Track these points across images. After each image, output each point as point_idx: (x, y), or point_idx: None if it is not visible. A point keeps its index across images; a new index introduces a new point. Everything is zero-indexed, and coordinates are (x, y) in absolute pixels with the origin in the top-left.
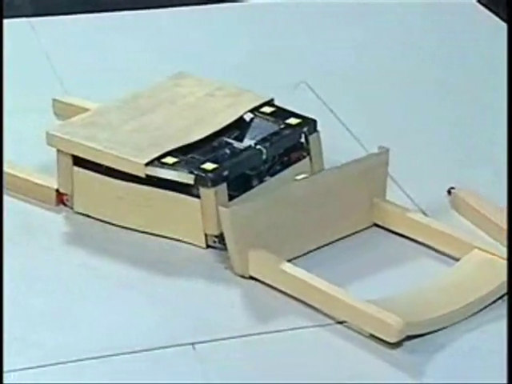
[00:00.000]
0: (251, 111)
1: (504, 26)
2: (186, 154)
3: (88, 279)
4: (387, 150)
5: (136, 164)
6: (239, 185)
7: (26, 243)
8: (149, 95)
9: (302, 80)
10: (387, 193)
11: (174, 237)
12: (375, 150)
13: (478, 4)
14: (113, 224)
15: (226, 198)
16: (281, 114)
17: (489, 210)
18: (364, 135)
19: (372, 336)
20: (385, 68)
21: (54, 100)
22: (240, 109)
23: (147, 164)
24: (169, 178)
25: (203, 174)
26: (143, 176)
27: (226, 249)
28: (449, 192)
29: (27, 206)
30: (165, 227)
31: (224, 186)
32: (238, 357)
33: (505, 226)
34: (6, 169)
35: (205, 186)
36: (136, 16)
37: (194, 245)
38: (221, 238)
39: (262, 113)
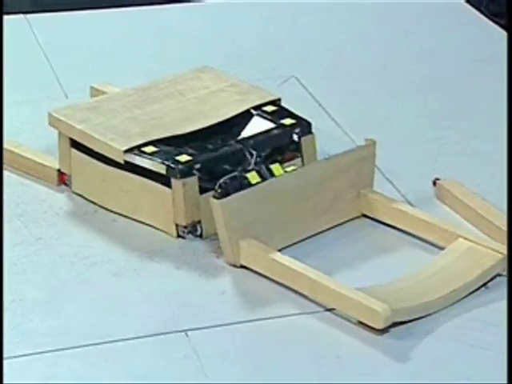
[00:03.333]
0: (254, 109)
1: (490, 24)
2: (169, 144)
3: (81, 268)
4: (374, 142)
5: (116, 150)
6: (219, 178)
7: (24, 231)
8: (164, 86)
9: (292, 74)
10: (374, 184)
11: (149, 223)
12: (362, 142)
13: (465, 4)
14: (101, 206)
15: (196, 190)
16: (280, 113)
17: (472, 200)
18: (351, 127)
19: (360, 323)
20: (372, 64)
21: (92, 88)
22: (243, 106)
23: (126, 151)
24: (143, 165)
25: (174, 166)
26: (121, 162)
27: (200, 237)
28: (434, 183)
29: (33, 184)
30: (140, 213)
31: (194, 178)
32: (230, 343)
33: (487, 215)
34: (13, 149)
35: (174, 176)
36: (128, 13)
37: (168, 233)
38: (192, 228)
39: (264, 111)
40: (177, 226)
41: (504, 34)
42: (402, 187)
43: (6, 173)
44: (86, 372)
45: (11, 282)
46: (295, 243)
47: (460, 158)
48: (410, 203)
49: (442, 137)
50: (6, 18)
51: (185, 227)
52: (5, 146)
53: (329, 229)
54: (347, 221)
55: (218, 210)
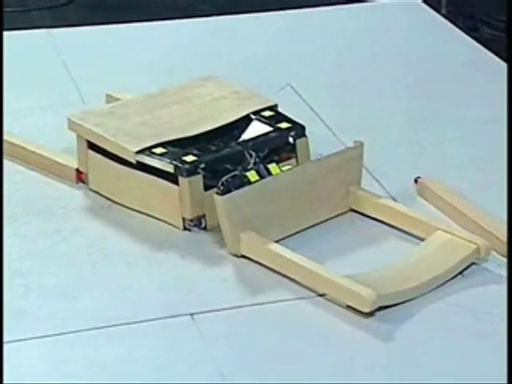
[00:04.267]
0: (253, 113)
1: (446, 23)
2: (177, 146)
3: (96, 258)
4: (362, 144)
5: (128, 151)
6: (222, 177)
7: (44, 224)
8: (172, 93)
9: (288, 83)
10: (362, 182)
11: (158, 217)
12: (351, 144)
13: (419, 1)
14: (115, 201)
15: (201, 187)
16: (276, 118)
17: (450, 196)
18: (341, 130)
19: (348, 307)
20: (360, 71)
21: (107, 95)
22: (243, 111)
23: (138, 152)
24: (153, 165)
25: (180, 165)
26: (134, 162)
27: (205, 229)
28: (415, 181)
29: (52, 182)
30: (150, 208)
31: (199, 176)
32: (232, 325)
33: (463, 209)
34: (35, 149)
35: (181, 175)
36: (139, 28)
37: (175, 226)
38: (197, 221)
39: (262, 116)
40: (183, 219)
41: (470, 40)
42: (387, 185)
43: (28, 171)
44: (100, 352)
45: (33, 270)
46: (290, 235)
47: (438, 159)
48: (394, 199)
49: (422, 139)
50: (29, 31)
51: (190, 220)
52: (27, 146)
53: (321, 222)
54: (337, 215)
55: (221, 205)
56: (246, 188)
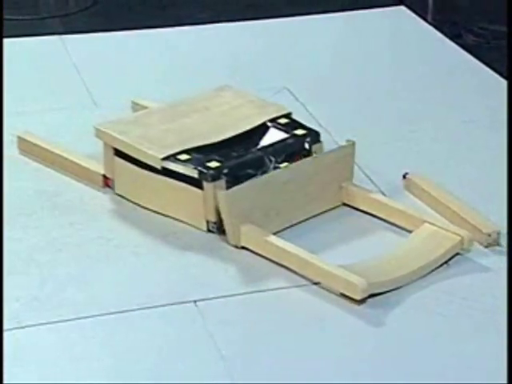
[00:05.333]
0: (270, 121)
1: (432, 30)
2: (200, 152)
3: (106, 249)
4: (353, 143)
5: (154, 158)
6: (243, 181)
7: (59, 218)
8: (191, 102)
9: (284, 85)
10: (354, 177)
11: (183, 220)
12: (344, 143)
13: (406, 9)
14: (139, 205)
15: (224, 191)
16: (292, 125)
17: (436, 191)
18: (335, 130)
19: (342, 295)
20: (352, 74)
21: (132, 102)
22: (261, 118)
23: (164, 158)
24: (178, 171)
25: (205, 171)
26: (159, 168)
27: (224, 233)
28: (403, 176)
29: (66, 179)
30: (174, 211)
31: (222, 181)
32: (232, 311)
33: (448, 203)
34: (65, 155)
35: (206, 180)
36: (144, 35)
37: (197, 227)
38: (219, 223)
39: (278, 123)
40: (207, 222)
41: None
42: (377, 180)
43: (44, 168)
44: (110, 336)
45: (49, 259)
46: (287, 227)
47: (424, 156)
48: (383, 193)
49: (410, 138)
50: (42, 38)
51: (214, 223)
52: (54, 149)
53: (315, 216)
54: (331, 209)
55: (222, 199)
56: (247, 183)
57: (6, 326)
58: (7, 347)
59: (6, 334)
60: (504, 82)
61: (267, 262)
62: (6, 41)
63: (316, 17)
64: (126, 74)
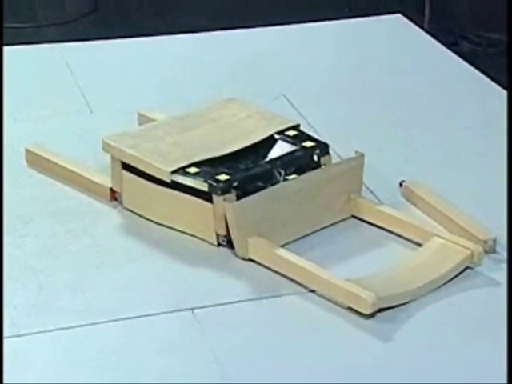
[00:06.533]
0: (278, 133)
1: (429, 38)
2: (209, 165)
3: (103, 256)
4: (362, 155)
5: (163, 171)
6: (252, 194)
7: (57, 225)
8: (199, 114)
9: (281, 92)
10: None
11: (193, 233)
12: (343, 151)
13: (402, 17)
14: (147, 218)
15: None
16: (300, 137)
17: (433, 198)
18: (331, 137)
19: (350, 309)
20: (348, 82)
21: (139, 114)
22: (269, 130)
23: (173, 172)
24: (188, 184)
25: (215, 184)
26: (169, 181)
27: (233, 247)
28: (400, 184)
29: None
30: (183, 225)
31: (232, 194)
32: (231, 319)
33: (444, 210)
34: (68, 166)
35: (216, 193)
36: (138, 43)
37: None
38: (229, 237)
39: (286, 135)
40: (217, 235)
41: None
42: (374, 188)
43: (46, 177)
44: (106, 344)
45: (46, 266)
46: (295, 240)
47: (421, 163)
48: (378, 199)
49: (406, 145)
50: (39, 46)
51: (224, 236)
52: (59, 161)
53: (324, 228)
54: (339, 221)
55: (230, 211)
56: (255, 195)
57: (4, 333)
58: (5, 355)
59: (4, 342)
60: (500, 89)
61: (275, 274)
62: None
63: (313, 24)
64: (122, 81)
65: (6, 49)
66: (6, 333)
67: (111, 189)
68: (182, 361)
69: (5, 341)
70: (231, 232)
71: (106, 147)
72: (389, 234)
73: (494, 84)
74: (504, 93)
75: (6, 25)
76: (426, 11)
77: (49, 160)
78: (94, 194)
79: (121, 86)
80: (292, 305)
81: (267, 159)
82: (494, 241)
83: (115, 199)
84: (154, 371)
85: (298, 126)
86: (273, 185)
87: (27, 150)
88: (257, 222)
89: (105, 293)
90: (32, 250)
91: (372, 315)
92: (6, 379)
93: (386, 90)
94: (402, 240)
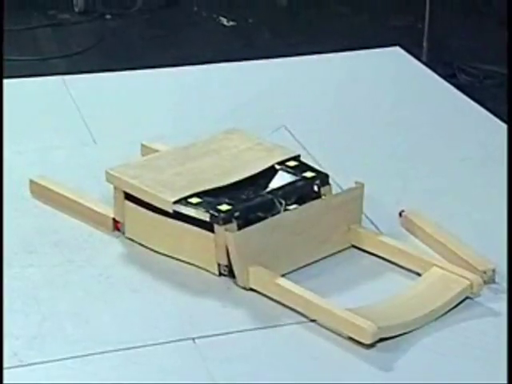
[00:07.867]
0: (278, 164)
1: (427, 70)
2: (211, 195)
3: (105, 286)
4: (362, 185)
5: (165, 201)
6: (253, 224)
7: (59, 255)
8: (201, 145)
9: (282, 124)
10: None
11: (194, 263)
12: (343, 181)
13: (401, 50)
14: (149, 248)
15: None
16: (301, 167)
17: (432, 228)
18: (332, 168)
19: (350, 338)
20: (348, 113)
21: (142, 145)
22: (269, 161)
23: (175, 202)
24: (190, 214)
25: (216, 214)
26: (171, 211)
27: (234, 277)
28: (400, 214)
29: (82, 224)
30: (185, 254)
31: (234, 224)
32: (232, 348)
33: (444, 240)
34: (76, 198)
35: (217, 223)
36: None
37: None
38: (230, 266)
39: (287, 166)
40: (219, 265)
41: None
42: (374, 218)
43: (49, 208)
44: (108, 373)
45: (48, 296)
46: (296, 269)
47: (421, 193)
48: (377, 227)
49: (405, 175)
50: (45, 78)
51: (226, 266)
52: (63, 192)
53: (324, 257)
54: (339, 251)
55: (231, 240)
56: (256, 225)
57: (6, 364)
58: None
59: (6, 373)
60: (497, 121)
61: (275, 304)
62: (8, 81)
63: (313, 57)
64: (126, 112)
65: (10, 81)
66: (8, 363)
67: (114, 219)
68: None
69: (7, 371)
70: (232, 261)
71: (110, 178)
72: (388, 264)
73: (491, 115)
74: (501, 124)
75: (11, 57)
76: (424, 44)
77: (52, 190)
78: (96, 224)
79: (125, 117)
80: (293, 334)
81: (268, 189)
82: (493, 271)
83: (118, 229)
84: None
85: (299, 156)
86: (274, 215)
87: (31, 181)
88: (258, 251)
89: (107, 323)
90: (34, 281)
91: (372, 345)
92: None
93: (385, 121)
94: (401, 270)
